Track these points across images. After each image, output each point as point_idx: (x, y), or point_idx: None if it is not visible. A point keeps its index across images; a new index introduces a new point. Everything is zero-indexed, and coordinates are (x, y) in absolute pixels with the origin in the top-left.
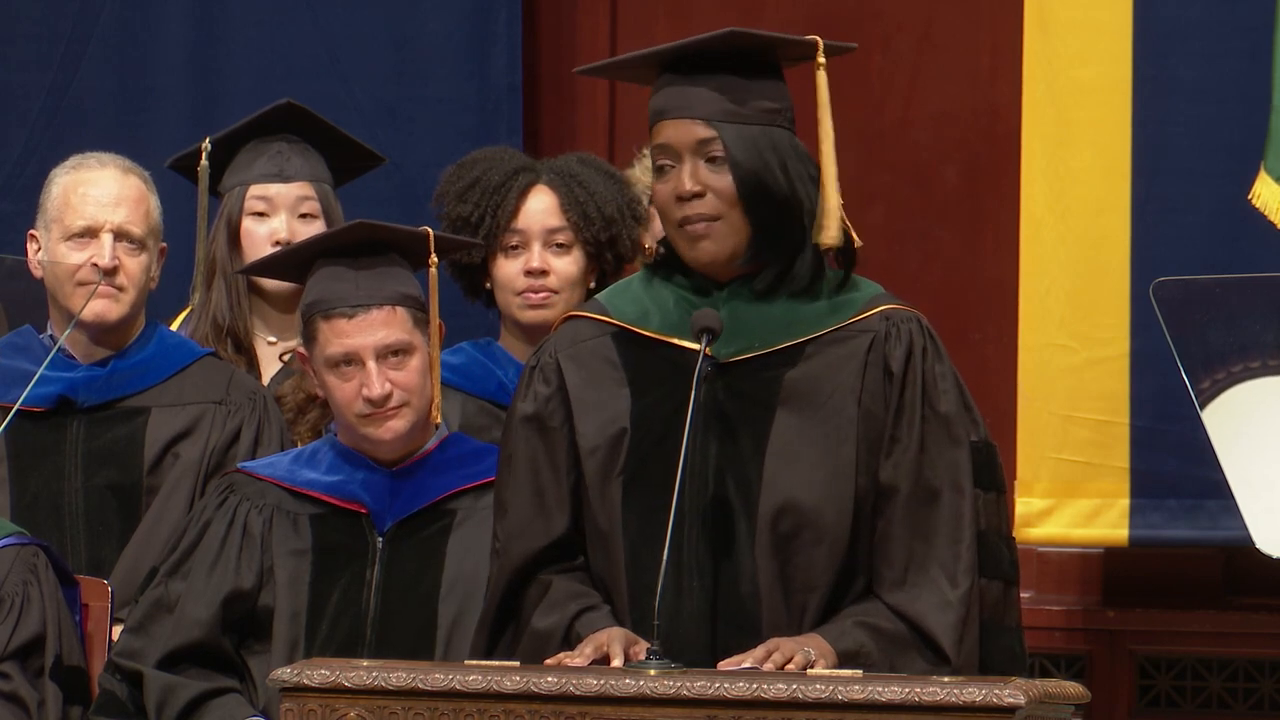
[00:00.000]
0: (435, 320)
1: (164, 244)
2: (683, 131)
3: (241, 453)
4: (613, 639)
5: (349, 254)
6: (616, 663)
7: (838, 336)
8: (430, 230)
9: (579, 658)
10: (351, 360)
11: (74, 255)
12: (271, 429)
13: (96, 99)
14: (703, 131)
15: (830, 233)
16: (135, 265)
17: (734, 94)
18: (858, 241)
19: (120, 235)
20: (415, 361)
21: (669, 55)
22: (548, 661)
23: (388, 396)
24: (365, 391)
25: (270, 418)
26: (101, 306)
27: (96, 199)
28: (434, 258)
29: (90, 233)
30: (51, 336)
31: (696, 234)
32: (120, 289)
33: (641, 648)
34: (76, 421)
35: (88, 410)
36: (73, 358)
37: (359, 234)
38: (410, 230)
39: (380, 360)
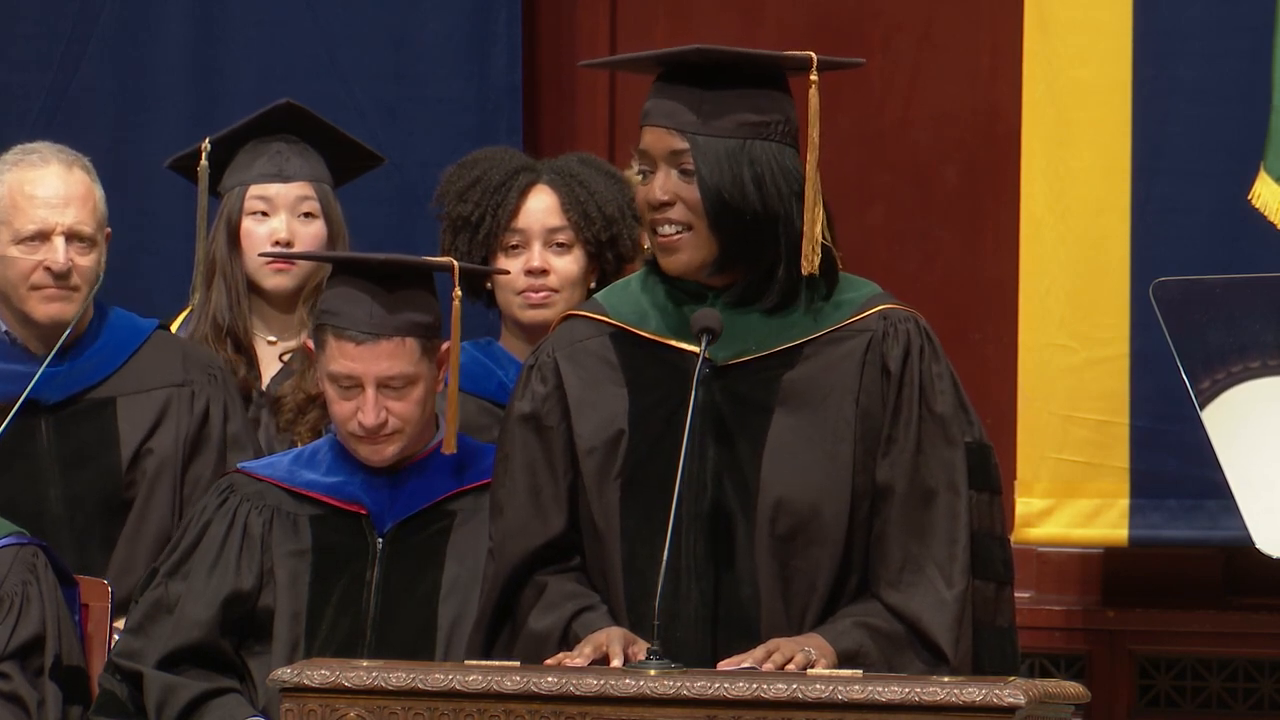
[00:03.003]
0: (456, 352)
1: (108, 229)
2: (659, 140)
3: (214, 431)
4: (612, 639)
5: (370, 277)
6: (616, 663)
7: (835, 337)
8: (455, 262)
9: (578, 658)
10: (352, 383)
11: (26, 258)
12: (235, 399)
13: (96, 99)
14: (676, 142)
15: (810, 262)
16: (87, 263)
17: (712, 107)
18: (841, 264)
19: (72, 236)
20: (416, 392)
21: (655, 62)
22: (547, 662)
23: (381, 425)
24: (360, 417)
25: (231, 392)
26: (56, 309)
27: (45, 200)
28: (457, 290)
29: (41, 236)
30: (8, 333)
31: (668, 245)
32: (74, 289)
33: (640, 648)
34: (44, 421)
35: (53, 408)
36: (29, 352)
37: (385, 266)
38: (435, 262)
39: (380, 388)
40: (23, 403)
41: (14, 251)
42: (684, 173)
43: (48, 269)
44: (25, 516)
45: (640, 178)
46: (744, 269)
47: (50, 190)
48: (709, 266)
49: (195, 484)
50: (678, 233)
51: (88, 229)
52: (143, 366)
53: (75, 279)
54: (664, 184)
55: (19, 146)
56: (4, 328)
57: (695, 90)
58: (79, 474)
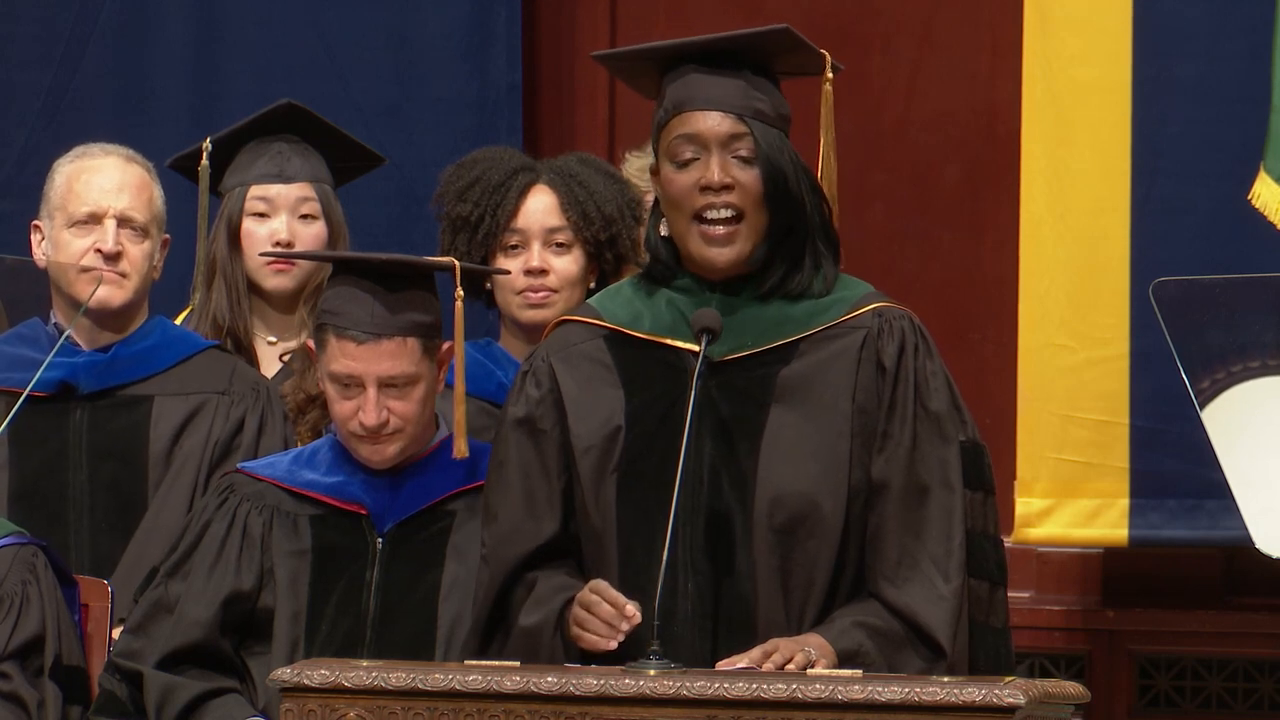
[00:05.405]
0: (460, 353)
1: (167, 235)
2: (714, 123)
3: (245, 443)
4: (598, 588)
5: (371, 277)
6: (630, 608)
7: (830, 334)
8: (457, 262)
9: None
10: (354, 383)
11: (77, 242)
12: (275, 420)
13: (96, 99)
14: (735, 126)
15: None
16: (138, 252)
17: (762, 94)
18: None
19: (123, 221)
20: (418, 391)
21: (706, 46)
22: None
23: (383, 425)
24: (361, 417)
25: (274, 409)
26: (105, 292)
27: (100, 186)
28: (459, 290)
29: (94, 219)
30: (57, 325)
31: (718, 237)
32: (123, 275)
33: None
34: (79, 410)
35: (89, 398)
36: (76, 344)
37: (386, 266)
38: (436, 262)
39: (382, 388)
40: (56, 388)
41: (66, 235)
42: (739, 158)
43: (98, 250)
44: (47, 500)
45: (680, 166)
46: (779, 259)
47: (106, 177)
48: (751, 257)
49: None
50: (731, 218)
51: (139, 217)
52: (188, 373)
53: (125, 265)
54: (723, 167)
55: (85, 144)
56: (55, 320)
57: (744, 74)
58: (105, 465)
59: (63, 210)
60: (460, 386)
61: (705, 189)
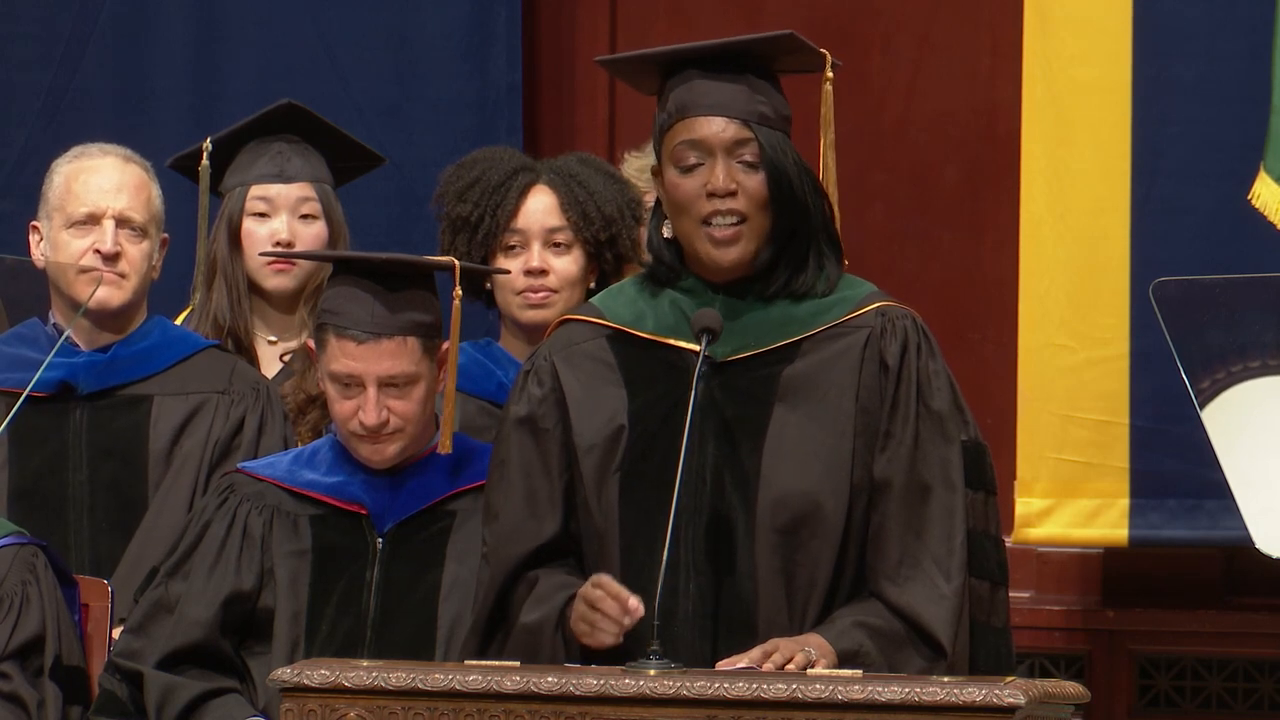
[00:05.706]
0: (454, 352)
1: (165, 234)
2: (718, 129)
3: (245, 443)
4: (601, 583)
5: (372, 277)
6: (633, 602)
7: (833, 333)
8: (457, 262)
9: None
10: (354, 382)
11: (76, 242)
12: (275, 419)
13: (96, 99)
14: (739, 132)
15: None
16: (137, 252)
17: (765, 98)
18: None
19: (122, 222)
20: (417, 391)
21: (709, 51)
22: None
23: (383, 424)
24: (362, 416)
25: (274, 408)
26: (104, 293)
27: (99, 186)
28: (458, 290)
29: (92, 219)
30: (56, 326)
31: (725, 238)
32: (122, 275)
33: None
34: (79, 409)
35: (89, 398)
36: (75, 344)
37: (386, 266)
38: (437, 261)
39: (382, 388)
40: (56, 388)
41: (65, 236)
42: (744, 164)
43: (97, 251)
44: (47, 500)
45: (684, 171)
46: (783, 261)
47: (104, 178)
48: (756, 259)
49: None
50: (736, 223)
51: (138, 217)
52: (188, 373)
53: (124, 265)
54: (728, 173)
55: (83, 144)
56: (54, 320)
57: (747, 78)
58: (105, 464)
59: (61, 211)
60: (451, 383)
61: (711, 195)
